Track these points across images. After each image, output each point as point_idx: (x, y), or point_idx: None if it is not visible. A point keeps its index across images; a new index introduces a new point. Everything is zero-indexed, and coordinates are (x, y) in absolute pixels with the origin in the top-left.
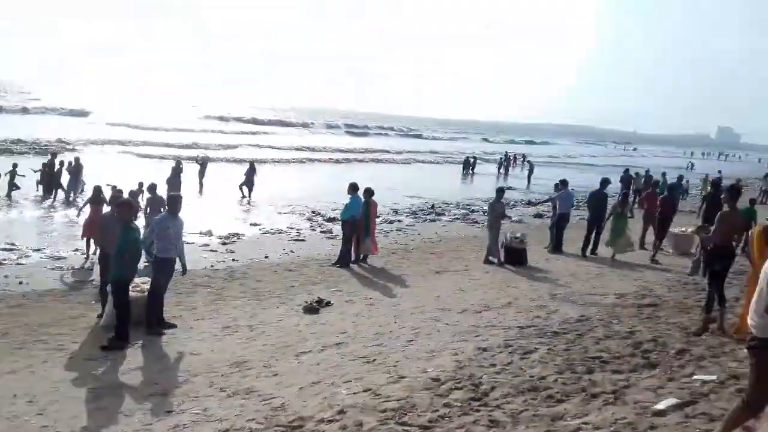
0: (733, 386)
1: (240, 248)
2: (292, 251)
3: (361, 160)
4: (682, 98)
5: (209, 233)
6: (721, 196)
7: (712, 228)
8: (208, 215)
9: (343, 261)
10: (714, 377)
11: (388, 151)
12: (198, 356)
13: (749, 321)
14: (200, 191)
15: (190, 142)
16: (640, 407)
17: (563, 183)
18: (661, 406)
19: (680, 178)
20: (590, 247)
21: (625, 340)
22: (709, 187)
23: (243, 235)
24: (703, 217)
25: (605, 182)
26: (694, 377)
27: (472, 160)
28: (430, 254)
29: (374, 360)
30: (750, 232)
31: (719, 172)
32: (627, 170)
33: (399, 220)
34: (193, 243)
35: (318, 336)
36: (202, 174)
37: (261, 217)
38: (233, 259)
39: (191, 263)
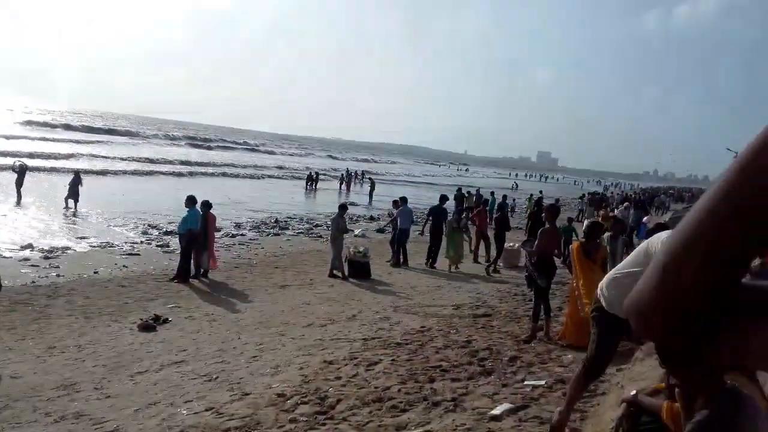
0: (559, 390)
1: (66, 263)
2: (125, 266)
3: (204, 173)
4: (507, 123)
5: (29, 247)
6: (542, 215)
7: (536, 242)
8: (28, 228)
9: (181, 276)
10: (543, 382)
11: (233, 165)
12: (19, 379)
13: (599, 293)
14: (18, 202)
15: (8, 150)
16: (477, 413)
17: (403, 200)
18: (496, 411)
19: (504, 197)
20: (433, 258)
21: (463, 349)
22: (534, 206)
23: (69, 249)
24: (528, 233)
25: (444, 198)
26: (526, 383)
27: (315, 175)
28: (274, 268)
29: (216, 377)
30: (570, 247)
31: (540, 192)
32: (459, 189)
33: (242, 234)
34: (11, 257)
35: (155, 355)
36: (19, 183)
37: (90, 230)
38: (58, 275)
39: (8, 279)
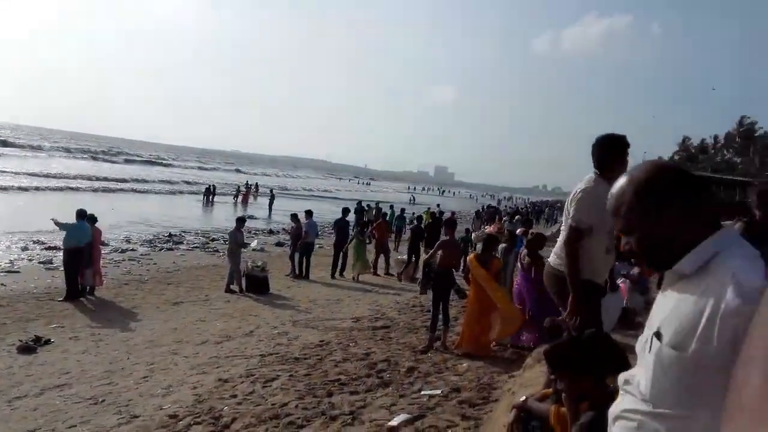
0: (455, 399)
1: None
2: (3, 284)
3: (108, 189)
4: (407, 138)
5: None
6: (442, 227)
7: (431, 252)
8: None
9: (66, 294)
10: (439, 391)
11: (137, 180)
12: None
13: (553, 259)
14: None
15: None
16: (375, 425)
17: (308, 213)
18: (394, 422)
19: (402, 210)
20: (338, 269)
21: (362, 361)
22: (431, 219)
23: None
24: (425, 245)
25: (346, 211)
26: (422, 392)
27: (212, 188)
28: (167, 284)
29: (103, 400)
30: (468, 257)
31: (438, 205)
32: (360, 202)
33: (132, 249)
34: None
35: (35, 378)
36: None
37: None
38: None
39: None
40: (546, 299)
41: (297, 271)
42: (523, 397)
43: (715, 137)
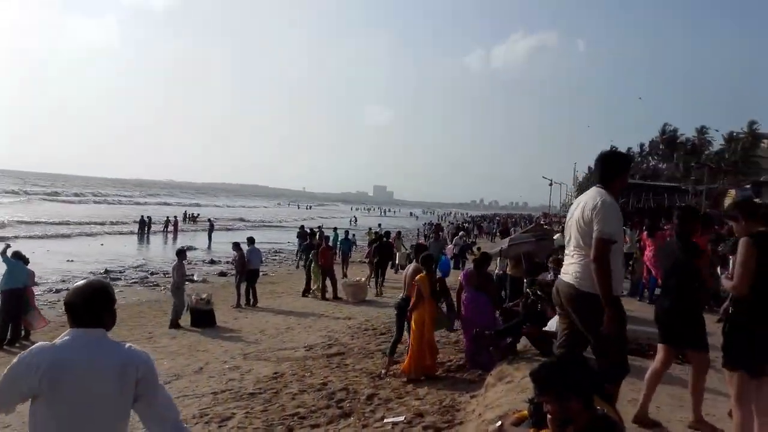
0: (419, 424)
1: None
2: None
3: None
4: (343, 159)
5: None
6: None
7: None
8: None
9: (1, 340)
10: (402, 418)
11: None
12: None
13: (576, 280)
14: None
15: None
16: None
17: (250, 240)
18: None
19: (346, 233)
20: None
21: (320, 391)
22: (374, 238)
23: None
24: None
25: (312, 235)
26: (386, 420)
27: (147, 220)
28: None
29: None
30: (418, 276)
31: (379, 225)
32: (302, 227)
33: (67, 289)
34: None
35: None
36: None
37: None
38: None
39: None
40: (492, 314)
41: (244, 301)
42: (499, 423)
43: (641, 145)
